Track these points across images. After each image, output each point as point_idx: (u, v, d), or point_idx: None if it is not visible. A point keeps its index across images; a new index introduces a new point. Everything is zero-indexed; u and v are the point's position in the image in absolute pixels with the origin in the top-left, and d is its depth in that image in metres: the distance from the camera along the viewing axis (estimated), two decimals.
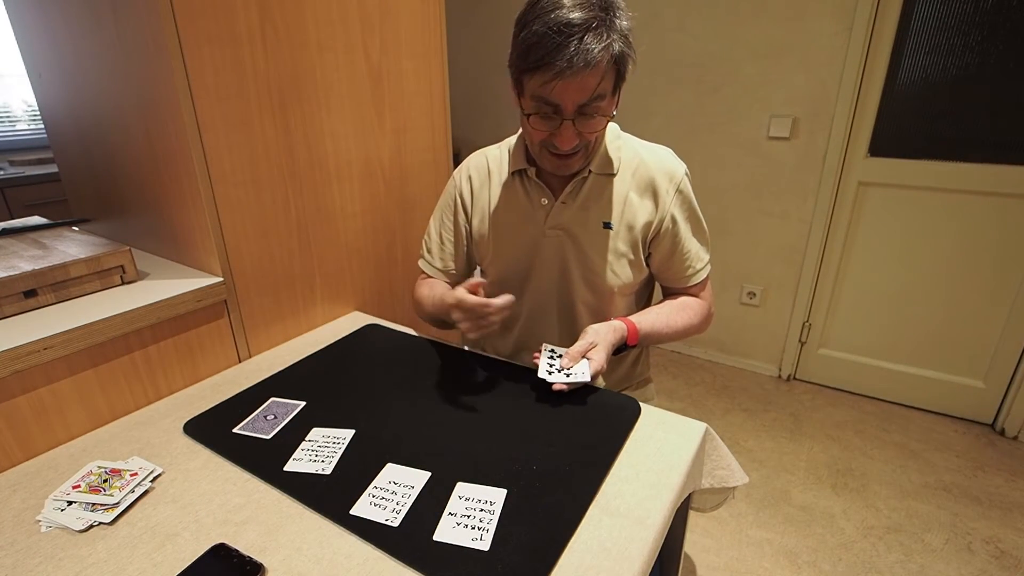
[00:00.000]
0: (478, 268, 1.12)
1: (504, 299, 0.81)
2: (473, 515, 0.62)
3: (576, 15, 0.73)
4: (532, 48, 0.75)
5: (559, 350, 0.89)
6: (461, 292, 0.82)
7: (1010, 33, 1.68)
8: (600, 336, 0.87)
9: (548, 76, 0.75)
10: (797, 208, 2.14)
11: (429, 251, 1.08)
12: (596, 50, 0.73)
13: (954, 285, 1.96)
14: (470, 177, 1.04)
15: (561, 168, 0.90)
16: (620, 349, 0.92)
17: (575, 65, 0.73)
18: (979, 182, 1.83)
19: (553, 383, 0.83)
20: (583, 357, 0.85)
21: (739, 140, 2.16)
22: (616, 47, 0.76)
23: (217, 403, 0.86)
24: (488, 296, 1.11)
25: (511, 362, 0.97)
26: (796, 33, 1.94)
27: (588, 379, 0.82)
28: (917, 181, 1.92)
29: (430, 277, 1.08)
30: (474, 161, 1.05)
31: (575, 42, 0.72)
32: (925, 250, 1.98)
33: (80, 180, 1.20)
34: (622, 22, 0.77)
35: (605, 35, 0.74)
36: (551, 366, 0.85)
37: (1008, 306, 1.89)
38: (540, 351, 0.89)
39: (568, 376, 0.83)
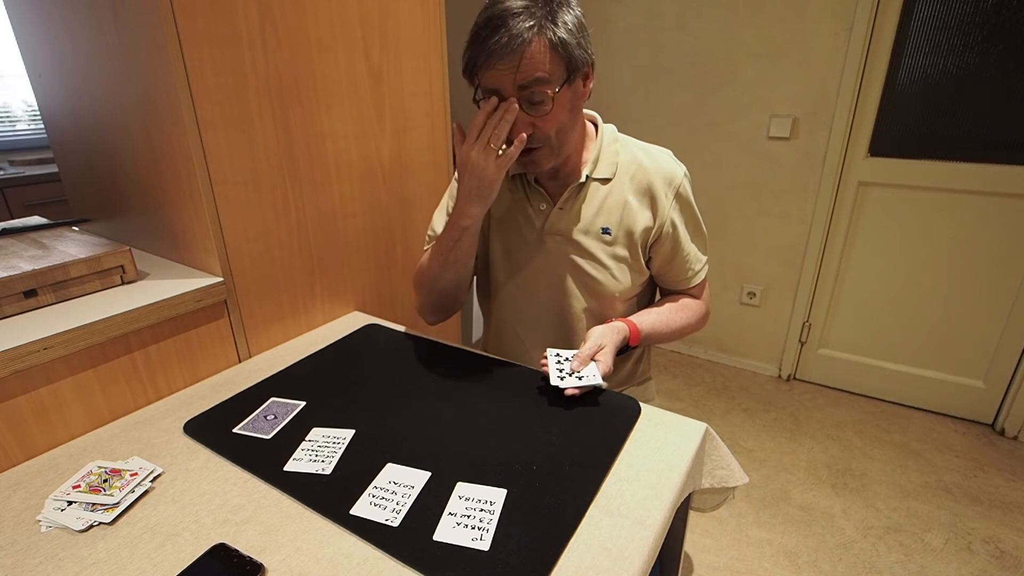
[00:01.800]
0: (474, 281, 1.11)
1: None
2: (473, 515, 0.62)
3: (513, 3, 0.76)
4: (471, 42, 0.78)
5: (565, 353, 0.88)
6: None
7: (1010, 33, 1.69)
8: (606, 338, 0.87)
9: (482, 62, 0.77)
10: (797, 208, 2.14)
11: (434, 237, 1.05)
12: (524, 30, 0.75)
13: (954, 285, 1.96)
14: None
15: (529, 166, 0.89)
16: (622, 350, 0.92)
17: (496, 51, 0.75)
18: (979, 182, 1.83)
19: (565, 388, 0.82)
20: (591, 360, 0.85)
21: (739, 140, 2.16)
22: (550, 33, 0.77)
23: (217, 403, 0.86)
24: (490, 304, 1.11)
25: (511, 362, 0.97)
26: (796, 33, 1.95)
27: (599, 381, 0.82)
28: (917, 181, 1.92)
29: None
30: None
31: (504, 29, 0.75)
32: (925, 250, 1.98)
33: (80, 180, 1.20)
34: (564, 17, 0.78)
35: (540, 20, 0.76)
36: (560, 371, 0.85)
37: (1008, 306, 1.89)
38: (546, 357, 0.88)
39: (580, 379, 0.83)
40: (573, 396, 0.83)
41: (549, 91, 0.80)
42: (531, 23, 0.75)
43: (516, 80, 0.78)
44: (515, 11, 0.75)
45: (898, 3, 1.79)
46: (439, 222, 1.06)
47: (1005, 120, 1.76)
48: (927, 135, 1.89)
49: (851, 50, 1.87)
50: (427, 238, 1.09)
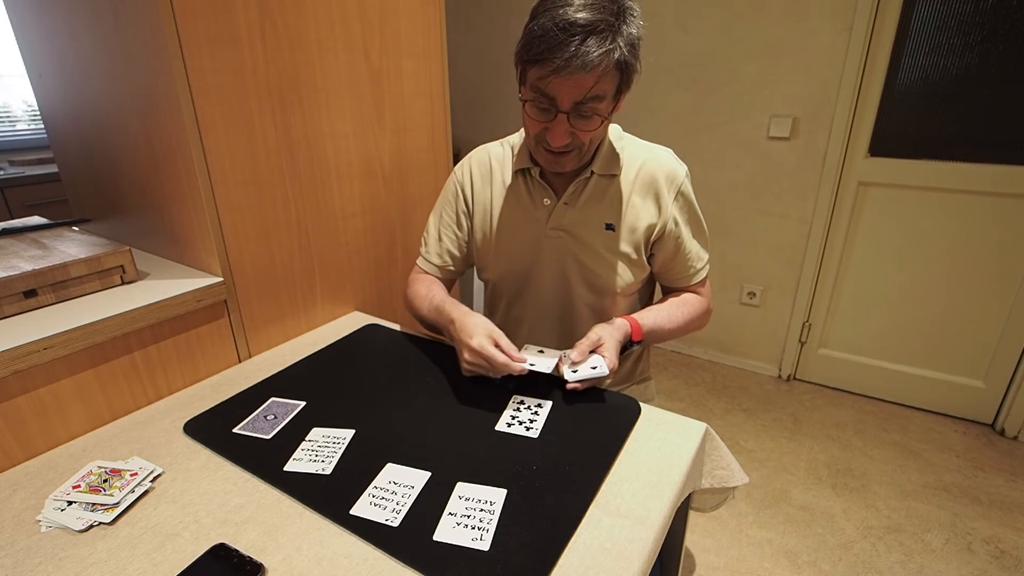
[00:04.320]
0: (476, 276, 1.11)
1: (519, 366, 0.81)
2: (473, 515, 0.62)
3: (583, 15, 0.73)
4: (535, 41, 0.76)
5: (549, 350, 0.89)
6: (484, 341, 0.82)
7: (1010, 33, 1.69)
8: (604, 332, 0.87)
9: (545, 71, 0.76)
10: (797, 208, 2.14)
11: (426, 246, 1.08)
12: (595, 54, 0.73)
13: (954, 285, 1.96)
14: (472, 173, 1.04)
15: (554, 165, 0.90)
16: (627, 348, 0.92)
17: (571, 65, 0.73)
18: (979, 182, 1.83)
19: (568, 380, 0.83)
20: (592, 353, 0.85)
21: (739, 140, 2.16)
22: (618, 54, 0.75)
23: (217, 403, 0.86)
24: (491, 300, 1.12)
25: None
26: (796, 33, 1.94)
27: (606, 372, 0.82)
28: (917, 181, 1.92)
29: (425, 272, 1.08)
30: (476, 157, 1.05)
31: (576, 42, 0.72)
32: (925, 250, 1.98)
33: (80, 180, 1.20)
34: (630, 29, 0.76)
35: (609, 40, 0.74)
36: (539, 358, 0.85)
37: (1008, 306, 1.89)
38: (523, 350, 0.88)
39: (593, 370, 0.82)
40: (575, 390, 0.83)
41: (603, 108, 0.80)
42: (609, 45, 0.74)
43: (576, 96, 0.77)
44: (593, 25, 0.73)
45: (898, 3, 1.79)
46: (433, 226, 1.08)
47: (1005, 120, 1.76)
48: (927, 135, 1.88)
49: (851, 50, 1.86)
50: (422, 241, 1.09)
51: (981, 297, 1.93)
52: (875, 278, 2.10)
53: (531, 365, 0.83)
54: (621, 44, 0.75)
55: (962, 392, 2.05)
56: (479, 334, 0.83)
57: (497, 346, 0.82)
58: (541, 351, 0.88)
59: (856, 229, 2.08)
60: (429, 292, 1.01)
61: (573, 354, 0.84)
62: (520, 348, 0.89)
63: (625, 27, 0.76)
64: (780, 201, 2.16)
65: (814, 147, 2.03)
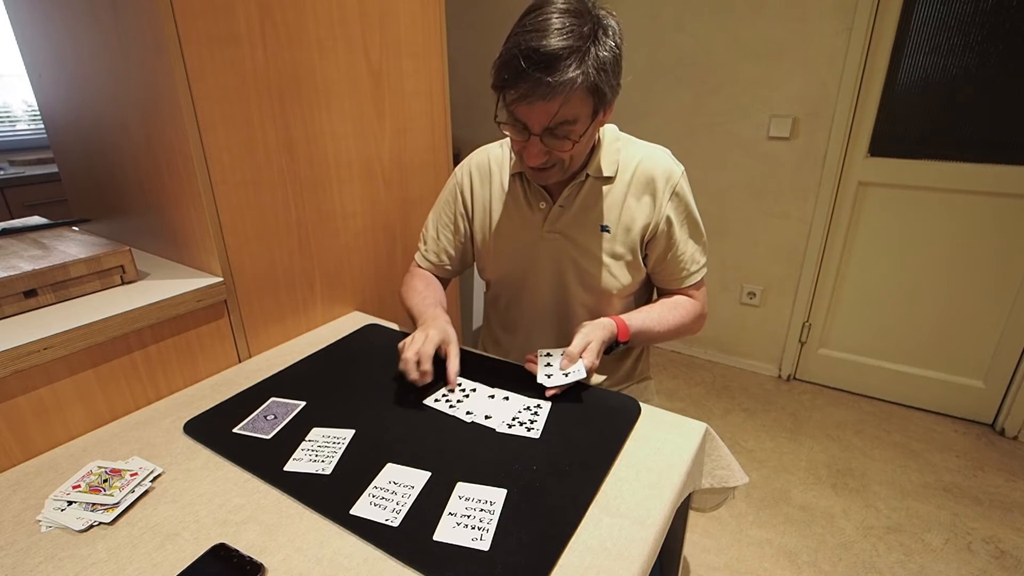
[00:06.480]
0: (476, 274, 1.11)
1: (420, 375, 0.83)
2: (473, 515, 0.62)
3: (552, 42, 0.72)
4: (502, 66, 0.76)
5: (555, 353, 0.89)
6: (421, 339, 0.85)
7: (1010, 33, 1.69)
8: (592, 334, 0.87)
9: (511, 97, 0.77)
10: (797, 208, 2.14)
11: (425, 243, 1.09)
12: (558, 82, 0.72)
13: (954, 285, 1.96)
14: (471, 175, 1.04)
15: (537, 178, 0.91)
16: (612, 348, 0.92)
17: (534, 94, 0.73)
18: (979, 182, 1.83)
19: (548, 388, 0.83)
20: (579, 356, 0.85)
21: (739, 140, 2.16)
22: (583, 80, 0.74)
23: (217, 403, 0.86)
24: (491, 301, 1.12)
25: (511, 362, 0.97)
26: (796, 33, 1.95)
27: (582, 375, 0.82)
28: (917, 181, 1.92)
29: (421, 268, 1.09)
30: (476, 159, 1.05)
31: (539, 72, 0.72)
32: (925, 250, 1.98)
33: (80, 180, 1.20)
34: (601, 51, 0.75)
35: (573, 67, 0.72)
36: (548, 370, 0.86)
37: (1008, 306, 1.89)
38: (536, 356, 0.89)
39: (566, 376, 0.83)
40: (555, 395, 0.84)
41: (576, 130, 0.80)
42: (577, 71, 0.72)
43: (545, 121, 0.78)
44: (561, 52, 0.72)
45: (898, 3, 1.79)
46: (432, 224, 1.09)
47: (1005, 120, 1.76)
48: (927, 135, 1.89)
49: (851, 50, 1.87)
50: (421, 237, 1.10)
51: (981, 297, 1.93)
52: (875, 278, 2.10)
53: (565, 375, 0.83)
54: (589, 69, 0.74)
55: (962, 392, 2.05)
56: (431, 335, 0.85)
57: (446, 355, 0.86)
58: (549, 354, 0.89)
59: (856, 229, 2.08)
60: (427, 288, 1.02)
61: (564, 361, 0.85)
62: (535, 353, 0.90)
63: (595, 49, 0.74)
64: (780, 201, 2.16)
65: (814, 147, 2.03)
